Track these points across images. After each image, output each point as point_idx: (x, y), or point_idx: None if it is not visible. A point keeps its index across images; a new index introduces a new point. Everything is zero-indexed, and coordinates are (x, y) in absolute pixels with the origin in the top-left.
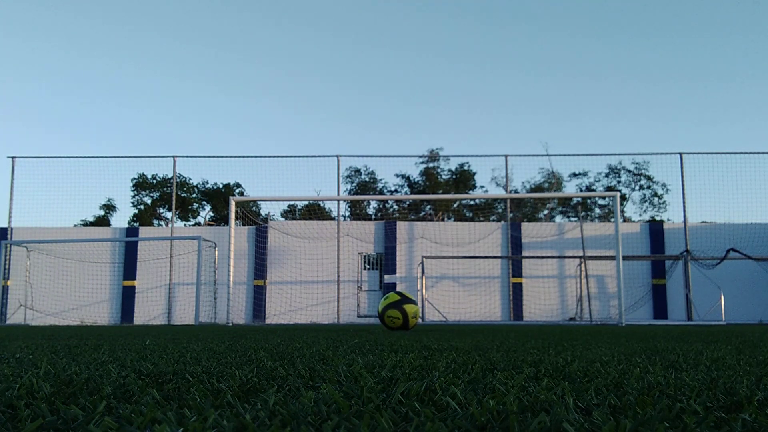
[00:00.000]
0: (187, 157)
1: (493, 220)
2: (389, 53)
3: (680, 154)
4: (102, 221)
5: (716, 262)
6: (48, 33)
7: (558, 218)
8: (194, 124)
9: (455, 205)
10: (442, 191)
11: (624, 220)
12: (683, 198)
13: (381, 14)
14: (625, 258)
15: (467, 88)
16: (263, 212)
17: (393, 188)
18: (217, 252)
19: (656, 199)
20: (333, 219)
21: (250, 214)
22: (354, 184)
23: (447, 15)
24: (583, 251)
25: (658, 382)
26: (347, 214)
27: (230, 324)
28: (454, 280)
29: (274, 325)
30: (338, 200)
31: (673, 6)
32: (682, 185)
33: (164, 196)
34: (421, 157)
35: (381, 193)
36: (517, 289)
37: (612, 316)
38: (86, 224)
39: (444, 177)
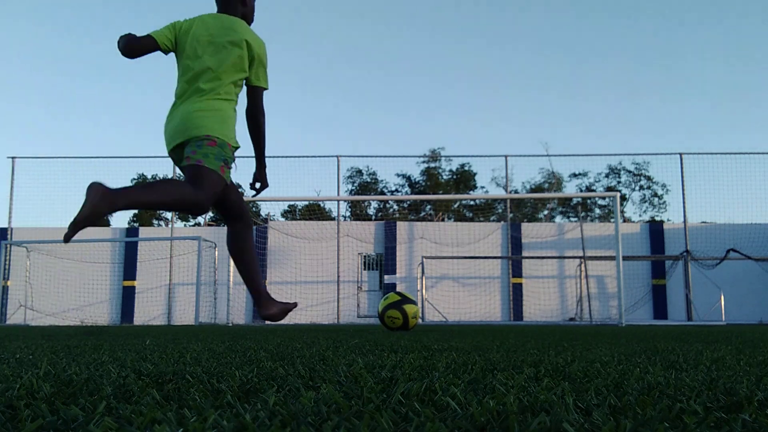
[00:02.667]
0: None
1: (493, 221)
2: (390, 53)
3: (680, 154)
4: (102, 221)
5: (716, 263)
6: (48, 33)
7: (558, 218)
8: None
9: (455, 206)
10: (442, 191)
11: (624, 221)
12: (683, 198)
13: (381, 14)
14: (625, 258)
15: (468, 88)
16: (263, 212)
17: (394, 188)
18: (217, 252)
19: (656, 199)
20: (333, 219)
21: (249, 214)
22: (355, 185)
23: (447, 15)
24: (583, 251)
25: (658, 383)
26: (347, 214)
27: (230, 324)
28: (454, 281)
29: (274, 326)
30: (338, 200)
31: (672, 7)
32: (682, 185)
33: None
34: (421, 157)
35: (381, 193)
36: (517, 290)
37: (612, 317)
38: None
39: (445, 177)
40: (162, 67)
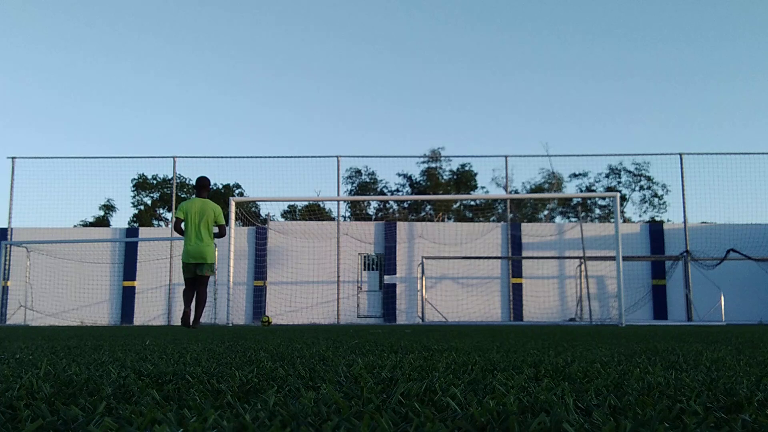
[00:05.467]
0: (187, 157)
1: (493, 221)
2: (390, 53)
3: (680, 154)
4: (102, 222)
5: (716, 263)
6: (48, 33)
7: (558, 219)
8: (194, 124)
9: (456, 206)
10: (442, 191)
11: (624, 221)
12: (683, 198)
13: (382, 14)
14: (625, 258)
15: (468, 88)
16: (263, 213)
17: (394, 188)
18: (217, 252)
19: (656, 199)
20: (333, 219)
21: (249, 214)
22: (354, 185)
23: (448, 16)
24: (583, 252)
25: (658, 383)
26: (347, 214)
27: (230, 324)
28: (454, 281)
29: (274, 326)
30: (338, 201)
31: (672, 6)
32: (682, 186)
33: (164, 197)
34: (422, 157)
35: (381, 193)
36: (517, 290)
37: (612, 317)
38: (86, 225)
39: (445, 177)
40: (162, 67)
